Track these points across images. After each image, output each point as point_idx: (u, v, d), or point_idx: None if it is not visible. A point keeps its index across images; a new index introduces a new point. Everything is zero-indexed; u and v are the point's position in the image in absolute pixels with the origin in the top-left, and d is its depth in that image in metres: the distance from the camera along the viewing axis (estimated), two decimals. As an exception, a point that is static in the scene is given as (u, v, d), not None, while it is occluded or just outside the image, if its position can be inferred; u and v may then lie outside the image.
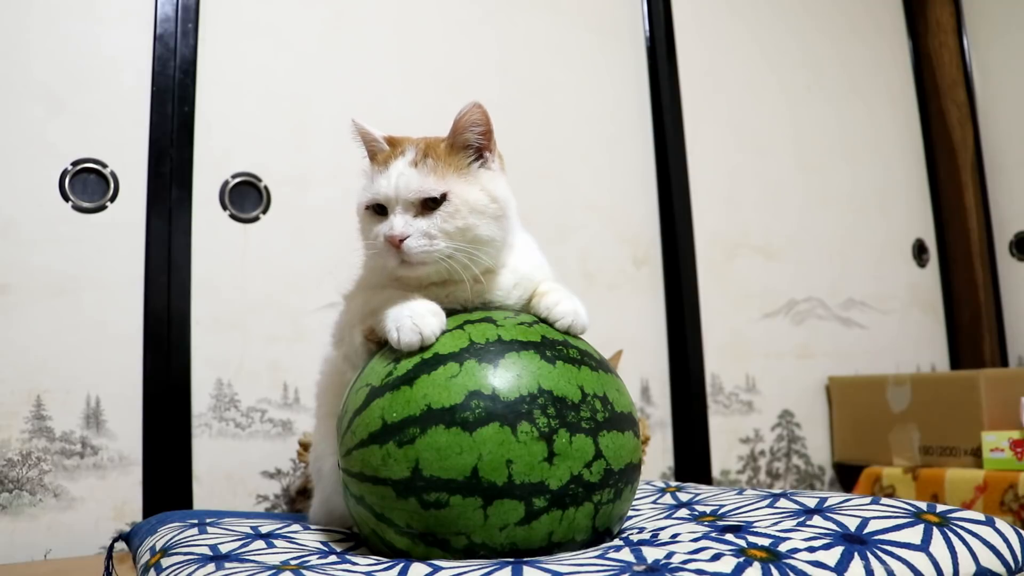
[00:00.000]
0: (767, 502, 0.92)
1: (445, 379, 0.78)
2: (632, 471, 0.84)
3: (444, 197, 0.86)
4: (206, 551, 0.83)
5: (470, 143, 0.90)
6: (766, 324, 2.21)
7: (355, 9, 1.81)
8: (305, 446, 1.42)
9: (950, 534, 0.74)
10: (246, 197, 1.64)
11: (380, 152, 0.93)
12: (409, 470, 0.76)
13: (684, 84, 2.15)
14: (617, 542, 0.83)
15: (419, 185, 0.86)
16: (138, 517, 1.46)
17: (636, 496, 1.06)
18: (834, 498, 0.89)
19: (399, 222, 0.86)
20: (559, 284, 0.97)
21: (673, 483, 1.15)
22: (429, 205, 0.86)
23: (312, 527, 1.00)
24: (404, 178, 0.87)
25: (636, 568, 0.69)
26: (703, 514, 0.91)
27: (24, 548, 1.39)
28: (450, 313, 0.88)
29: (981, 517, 0.79)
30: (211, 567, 0.77)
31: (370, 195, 0.90)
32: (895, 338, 2.43)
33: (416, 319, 0.82)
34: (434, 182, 0.86)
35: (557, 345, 0.84)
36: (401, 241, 0.85)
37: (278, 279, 1.64)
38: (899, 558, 0.70)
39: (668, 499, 1.04)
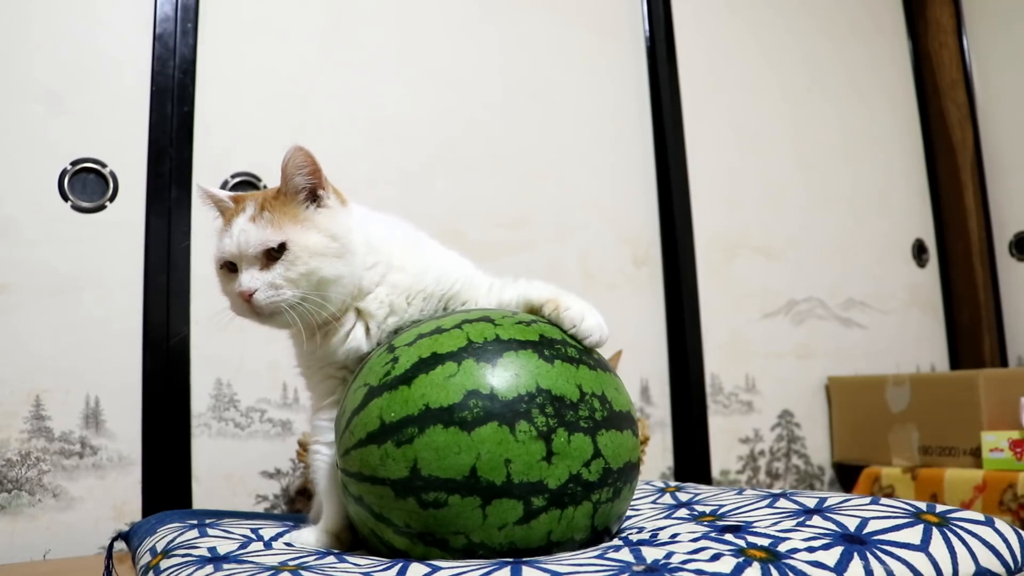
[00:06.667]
0: (767, 502, 0.92)
1: (443, 378, 0.78)
2: (631, 470, 0.84)
3: (284, 246, 0.88)
4: (204, 552, 0.83)
5: (301, 187, 0.90)
6: (766, 324, 2.21)
7: (355, 9, 1.81)
8: (304, 446, 1.42)
9: (949, 534, 0.74)
10: (246, 197, 1.64)
11: (227, 211, 0.94)
12: (407, 470, 0.75)
13: (684, 84, 2.15)
14: (616, 542, 0.83)
15: (257, 238, 0.88)
16: (137, 517, 1.46)
17: (636, 496, 1.06)
18: (833, 498, 0.89)
19: (246, 278, 0.88)
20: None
21: (673, 483, 1.15)
22: (272, 256, 0.88)
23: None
24: (244, 234, 0.88)
25: (635, 568, 0.69)
26: (703, 514, 0.91)
27: (23, 548, 1.39)
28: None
29: (980, 517, 0.79)
30: (209, 568, 0.76)
31: (219, 254, 0.92)
32: (895, 338, 2.43)
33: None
34: (271, 233, 0.88)
35: (555, 344, 0.84)
36: (251, 295, 0.87)
37: (278, 279, 1.64)
38: (898, 558, 0.70)
39: (668, 499, 1.04)
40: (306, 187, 0.91)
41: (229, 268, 0.92)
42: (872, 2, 2.61)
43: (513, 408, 0.76)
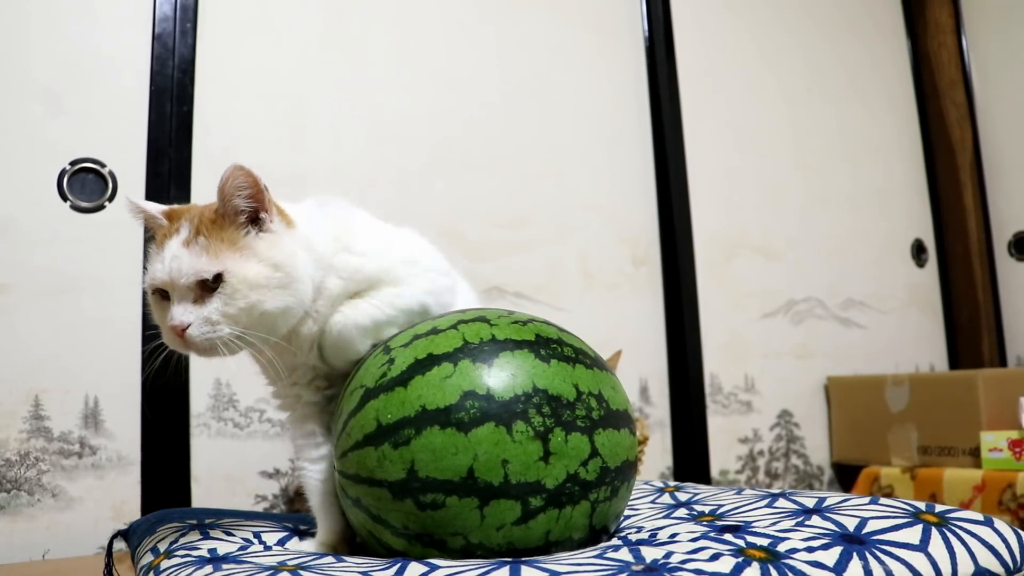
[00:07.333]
0: (766, 502, 0.92)
1: (439, 379, 0.78)
2: (628, 469, 0.84)
3: (220, 277, 0.79)
4: (204, 553, 0.83)
5: (241, 210, 0.82)
6: (765, 324, 2.21)
7: (355, 9, 1.81)
8: (303, 446, 1.42)
9: (949, 534, 0.74)
10: (245, 197, 1.64)
11: (160, 229, 0.85)
12: (405, 471, 0.75)
13: (683, 84, 2.15)
14: (615, 542, 0.83)
15: (191, 268, 0.79)
16: (137, 517, 1.46)
17: (635, 495, 1.06)
18: (833, 498, 0.89)
19: (178, 311, 0.80)
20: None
21: (672, 483, 1.15)
22: (209, 287, 0.80)
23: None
24: (177, 261, 0.80)
25: (634, 568, 0.69)
26: (702, 514, 0.91)
27: (22, 548, 1.39)
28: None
29: (980, 517, 0.79)
30: (209, 568, 0.76)
31: (149, 280, 0.83)
32: (894, 338, 2.43)
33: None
34: (207, 262, 0.79)
35: (551, 344, 0.84)
36: (183, 331, 0.80)
37: (277, 279, 1.64)
38: (898, 558, 0.70)
39: (667, 499, 1.04)
40: (246, 210, 0.82)
41: (161, 295, 0.83)
42: (871, 3, 2.61)
43: (510, 408, 0.76)
